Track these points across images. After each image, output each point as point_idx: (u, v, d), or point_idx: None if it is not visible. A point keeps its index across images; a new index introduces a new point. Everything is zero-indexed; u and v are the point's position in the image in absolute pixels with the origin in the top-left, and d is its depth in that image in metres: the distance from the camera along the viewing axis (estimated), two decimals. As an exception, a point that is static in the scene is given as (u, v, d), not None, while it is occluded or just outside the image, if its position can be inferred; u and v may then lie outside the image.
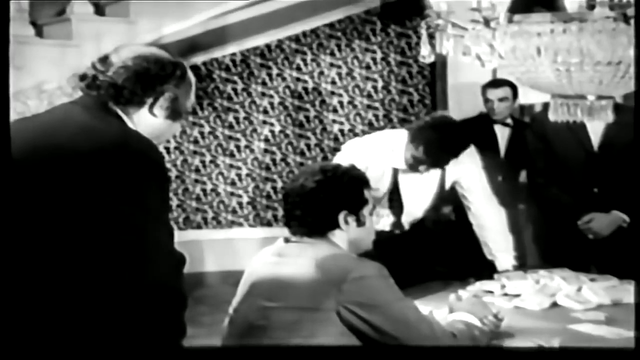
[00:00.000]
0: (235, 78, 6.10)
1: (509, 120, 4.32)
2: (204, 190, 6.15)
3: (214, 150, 6.13)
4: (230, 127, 6.13)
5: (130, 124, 1.85)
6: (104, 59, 1.87)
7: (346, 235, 2.12)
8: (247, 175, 6.19)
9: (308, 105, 6.20)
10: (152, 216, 1.74)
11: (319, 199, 2.08)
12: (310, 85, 6.19)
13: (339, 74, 6.21)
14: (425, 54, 2.25)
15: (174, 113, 1.91)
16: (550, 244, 3.59)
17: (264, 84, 6.14)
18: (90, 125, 1.78)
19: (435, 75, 6.06)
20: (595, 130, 3.36)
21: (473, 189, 3.17)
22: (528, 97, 4.53)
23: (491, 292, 2.73)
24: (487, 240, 3.15)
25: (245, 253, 4.78)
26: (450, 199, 3.44)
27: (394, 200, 3.15)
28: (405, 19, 6.12)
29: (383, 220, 3.16)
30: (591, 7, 2.05)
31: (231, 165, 6.17)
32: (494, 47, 2.13)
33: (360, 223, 2.13)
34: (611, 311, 2.50)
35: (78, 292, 1.68)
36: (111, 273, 1.68)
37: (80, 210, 1.68)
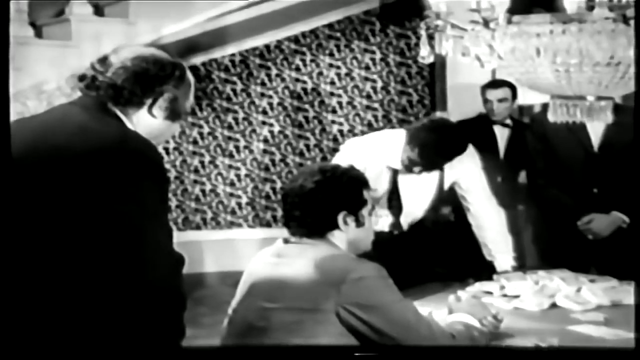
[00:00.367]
0: (235, 79, 6.10)
1: (508, 121, 4.32)
2: (203, 191, 6.15)
3: (213, 150, 6.13)
4: (230, 127, 6.13)
5: (129, 125, 1.85)
6: (103, 60, 1.87)
7: (345, 235, 2.11)
8: (246, 175, 6.19)
9: (307, 106, 6.20)
10: (151, 217, 1.74)
11: (318, 200, 2.08)
12: (310, 85, 6.19)
13: (338, 75, 6.21)
14: (425, 55, 2.25)
15: (173, 114, 1.91)
16: (550, 244, 3.58)
17: (263, 84, 6.14)
18: (89, 125, 1.78)
19: (435, 76, 6.06)
20: (596, 131, 3.36)
21: (472, 189, 3.17)
22: (527, 97, 4.53)
23: (490, 293, 2.73)
24: (486, 241, 3.15)
25: (244, 254, 4.79)
26: (449, 200, 3.44)
27: (393, 200, 3.15)
28: (405, 20, 6.13)
29: (382, 221, 3.17)
30: (590, 8, 2.05)
31: (230, 166, 6.17)
32: (493, 47, 2.13)
33: (359, 224, 2.12)
34: (610, 312, 2.50)
35: (77, 292, 1.68)
36: (110, 274, 1.68)
37: (79, 211, 1.68)
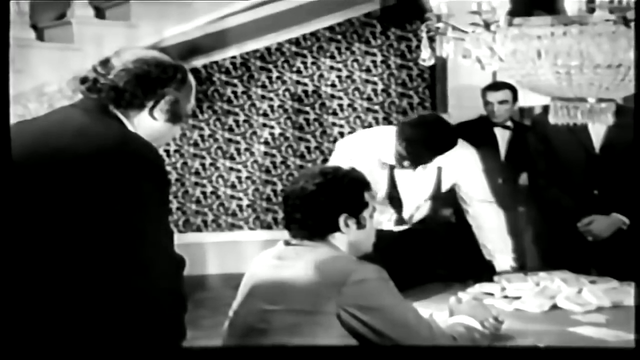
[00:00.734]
0: (236, 81, 6.10)
1: (509, 123, 4.32)
2: (203, 193, 6.16)
3: (214, 153, 6.13)
4: (230, 130, 6.13)
5: (130, 127, 1.85)
6: (105, 62, 1.87)
7: (346, 238, 2.11)
8: (247, 178, 6.19)
9: (308, 108, 6.21)
10: (152, 219, 1.74)
11: (319, 202, 2.08)
12: (310, 88, 6.19)
13: (339, 77, 6.21)
14: (426, 57, 2.26)
15: (175, 116, 1.91)
16: (551, 246, 3.59)
17: (264, 86, 6.14)
18: (90, 128, 1.78)
19: (435, 78, 6.07)
20: (597, 132, 3.36)
21: (472, 191, 3.17)
22: (528, 99, 4.53)
23: (491, 294, 2.73)
24: (486, 241, 3.16)
25: (245, 256, 4.79)
26: (450, 201, 3.44)
27: (394, 196, 3.15)
28: (405, 22, 6.13)
29: (385, 217, 3.17)
30: (591, 10, 2.05)
31: (231, 168, 6.17)
32: (494, 50, 2.13)
33: (360, 226, 2.12)
34: (611, 313, 2.50)
35: (78, 294, 1.68)
36: (111, 276, 1.68)
37: (80, 213, 1.68)
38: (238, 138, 6.15)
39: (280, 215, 5.76)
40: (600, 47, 2.02)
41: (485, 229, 3.16)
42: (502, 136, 4.31)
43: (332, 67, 6.20)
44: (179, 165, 6.07)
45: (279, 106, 6.17)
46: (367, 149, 3.13)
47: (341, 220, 2.09)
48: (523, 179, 4.30)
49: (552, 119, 2.29)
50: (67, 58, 4.89)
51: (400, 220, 3.22)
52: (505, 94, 4.23)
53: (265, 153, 6.19)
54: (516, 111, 4.57)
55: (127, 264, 1.69)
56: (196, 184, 6.13)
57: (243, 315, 2.11)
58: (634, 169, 3.05)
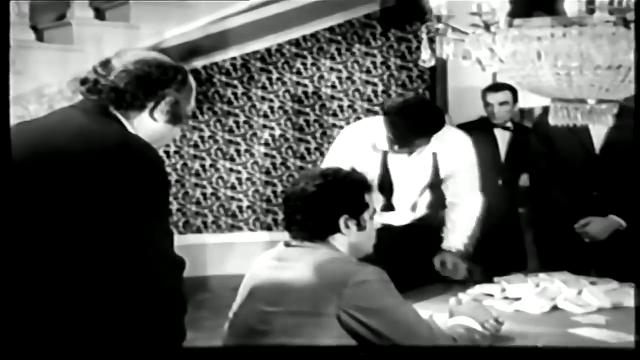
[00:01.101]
0: (236, 82, 6.10)
1: (509, 124, 4.32)
2: (204, 194, 6.16)
3: (214, 154, 6.13)
4: (230, 131, 6.14)
5: (130, 128, 1.85)
6: (106, 63, 1.87)
7: (347, 239, 2.11)
8: (247, 179, 6.19)
9: (308, 109, 6.21)
10: (152, 220, 1.74)
11: (320, 203, 2.08)
12: (311, 89, 6.19)
13: (339, 78, 6.22)
14: (426, 58, 2.26)
15: (175, 117, 1.91)
16: (551, 247, 3.59)
17: (264, 88, 6.14)
18: (90, 129, 1.78)
19: (436, 79, 6.07)
20: (598, 133, 3.36)
21: (459, 173, 3.17)
22: (528, 101, 4.53)
23: (491, 295, 2.73)
24: (449, 219, 3.20)
25: (245, 257, 4.79)
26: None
27: (385, 182, 3.16)
28: (406, 23, 6.14)
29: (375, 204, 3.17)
30: (591, 11, 2.05)
31: (231, 169, 6.17)
32: (494, 51, 2.13)
33: (360, 227, 2.12)
34: (611, 315, 2.49)
35: (78, 295, 1.68)
36: (111, 277, 1.68)
37: (80, 215, 1.68)
38: (238, 139, 6.15)
39: (280, 216, 5.76)
40: (600, 48, 2.02)
41: (454, 209, 3.18)
42: (502, 137, 4.31)
43: (332, 68, 6.21)
44: (179, 166, 6.07)
45: (279, 107, 6.17)
46: (363, 135, 3.16)
47: (341, 221, 2.09)
48: (523, 180, 4.31)
49: (551, 120, 2.29)
50: (67, 59, 4.90)
51: (388, 207, 3.21)
52: (505, 95, 4.23)
53: (265, 154, 6.19)
54: (516, 112, 4.58)
55: (127, 265, 1.69)
56: (196, 185, 6.13)
57: (243, 317, 2.11)
58: (633, 170, 3.04)
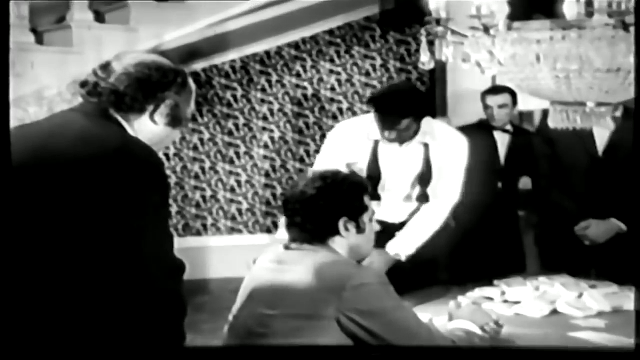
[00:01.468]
0: (235, 85, 6.10)
1: (508, 127, 4.32)
2: (203, 197, 6.15)
3: (214, 156, 6.13)
4: (230, 133, 6.13)
5: (130, 131, 1.86)
6: (105, 66, 1.87)
7: (346, 241, 2.11)
8: (247, 181, 6.19)
9: (307, 112, 6.21)
10: (151, 222, 1.74)
11: (319, 206, 2.08)
12: (310, 91, 6.19)
13: (338, 81, 6.22)
14: (425, 61, 2.26)
15: (174, 120, 1.91)
16: (551, 250, 3.58)
17: (263, 90, 6.14)
18: (90, 131, 1.78)
19: (435, 82, 6.06)
20: (601, 135, 3.35)
21: (444, 181, 3.16)
22: (527, 103, 4.53)
23: (491, 298, 2.73)
24: (411, 223, 3.14)
25: (244, 260, 4.78)
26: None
27: (373, 171, 3.15)
28: (405, 26, 6.14)
29: None
30: (590, 14, 2.05)
31: (230, 172, 6.17)
32: (494, 53, 2.13)
33: (360, 229, 2.12)
34: (611, 318, 2.49)
35: (77, 298, 1.68)
36: (111, 279, 1.68)
37: (79, 217, 1.68)
38: (237, 141, 6.15)
39: (280, 219, 5.76)
40: (599, 51, 2.02)
41: (422, 214, 3.15)
42: (502, 140, 4.31)
43: (331, 71, 6.21)
44: (178, 168, 6.06)
45: (279, 110, 6.17)
46: (357, 127, 3.22)
47: (341, 223, 2.09)
48: (522, 183, 4.31)
49: (551, 123, 2.29)
50: (67, 62, 4.90)
51: (374, 196, 3.20)
52: (504, 98, 4.23)
53: (265, 156, 6.19)
54: (516, 115, 4.58)
55: (127, 268, 1.69)
56: (195, 187, 6.13)
57: (243, 319, 2.11)
58: (634, 173, 3.04)
